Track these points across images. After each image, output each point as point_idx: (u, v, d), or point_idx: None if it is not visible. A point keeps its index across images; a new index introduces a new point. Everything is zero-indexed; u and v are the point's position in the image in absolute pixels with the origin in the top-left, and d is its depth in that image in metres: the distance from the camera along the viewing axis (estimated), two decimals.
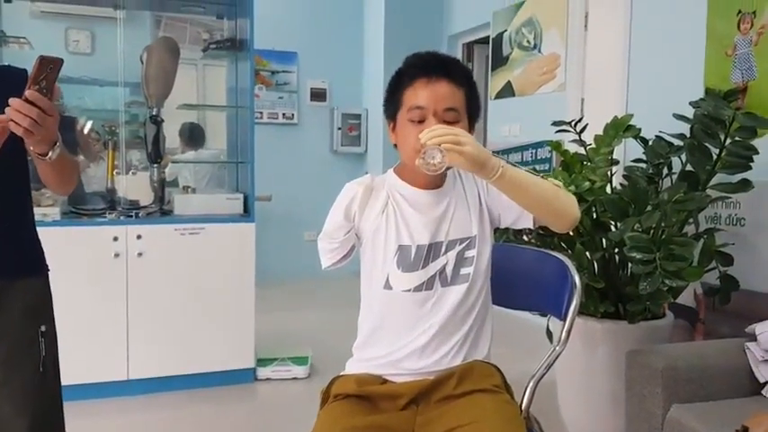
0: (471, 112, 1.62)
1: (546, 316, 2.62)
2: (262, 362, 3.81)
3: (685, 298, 3.11)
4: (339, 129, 6.52)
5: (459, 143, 1.43)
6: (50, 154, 1.52)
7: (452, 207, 1.67)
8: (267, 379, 3.76)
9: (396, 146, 1.66)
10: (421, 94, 1.55)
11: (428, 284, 1.64)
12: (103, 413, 3.27)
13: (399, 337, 1.66)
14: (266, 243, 4.60)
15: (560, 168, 2.93)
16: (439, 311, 1.64)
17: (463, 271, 1.66)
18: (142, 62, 3.57)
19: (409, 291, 1.63)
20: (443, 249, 1.64)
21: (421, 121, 1.55)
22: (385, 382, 1.66)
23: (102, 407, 3.32)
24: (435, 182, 1.66)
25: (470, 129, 1.61)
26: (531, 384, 1.78)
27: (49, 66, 1.41)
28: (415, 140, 1.50)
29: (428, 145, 1.44)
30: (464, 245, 1.66)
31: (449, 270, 1.65)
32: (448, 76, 1.57)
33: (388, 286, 1.64)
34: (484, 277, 1.70)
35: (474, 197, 1.70)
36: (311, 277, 5.60)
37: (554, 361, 1.81)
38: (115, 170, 3.60)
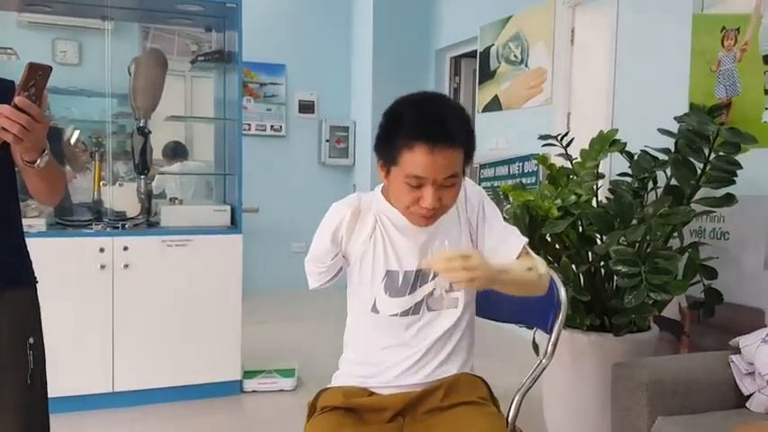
0: (469, 156, 1.57)
1: (532, 328, 2.63)
2: (248, 374, 3.79)
3: (670, 311, 3.14)
4: (327, 141, 6.53)
5: (471, 279, 1.42)
6: (39, 162, 1.51)
7: (443, 231, 1.65)
8: (253, 391, 3.74)
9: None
10: (421, 164, 1.48)
11: (415, 309, 1.65)
12: (89, 426, 3.24)
13: (386, 357, 1.66)
14: (254, 255, 4.58)
15: (546, 182, 2.96)
16: (427, 335, 1.66)
17: (453, 295, 1.67)
18: (130, 74, 3.57)
19: (396, 315, 1.64)
20: (432, 274, 1.63)
21: (418, 186, 1.51)
22: (372, 394, 1.67)
23: (87, 419, 3.29)
24: None
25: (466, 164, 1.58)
26: (517, 397, 1.79)
27: (39, 72, 1.41)
28: (410, 201, 1.52)
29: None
30: None
31: (436, 294, 1.65)
32: (451, 142, 1.49)
33: (375, 310, 1.66)
34: (472, 299, 1.71)
35: (466, 220, 1.69)
36: (298, 289, 5.53)
37: (540, 374, 1.82)
38: (102, 181, 3.58)
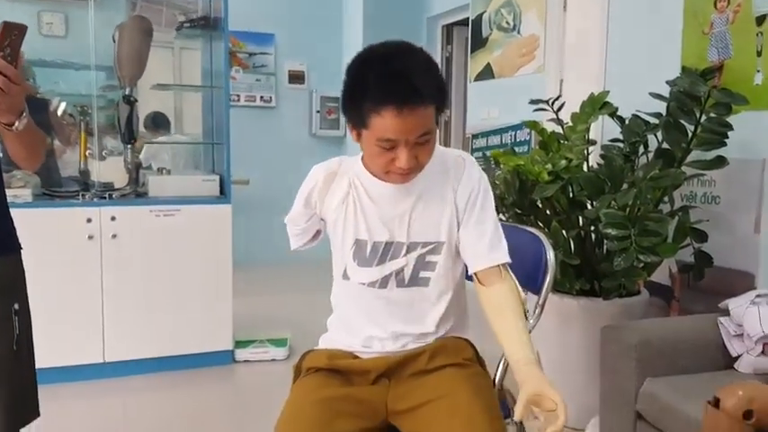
0: (441, 109, 1.48)
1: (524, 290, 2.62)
2: (240, 344, 3.79)
3: (661, 276, 3.14)
4: (318, 112, 6.47)
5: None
6: (17, 124, 1.48)
7: (420, 205, 1.58)
8: (245, 361, 3.74)
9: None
10: (391, 127, 1.40)
11: (382, 283, 1.59)
12: (80, 396, 3.24)
13: (363, 324, 1.64)
14: (244, 227, 4.56)
15: (538, 148, 2.94)
16: (397, 311, 1.61)
17: (422, 274, 1.60)
18: (114, 41, 3.51)
19: (364, 285, 1.60)
20: (404, 251, 1.58)
21: (392, 148, 1.44)
22: (356, 357, 1.65)
23: (78, 390, 3.29)
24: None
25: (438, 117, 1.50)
26: (503, 357, 1.78)
27: (14, 32, 1.36)
28: (385, 164, 1.47)
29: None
30: (427, 249, 1.59)
31: (406, 272, 1.59)
32: (420, 100, 1.40)
33: (345, 276, 1.62)
34: (449, 280, 1.62)
35: (453, 200, 1.59)
36: (291, 261, 5.56)
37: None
38: (88, 151, 3.54)
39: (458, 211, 1.59)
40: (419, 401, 1.55)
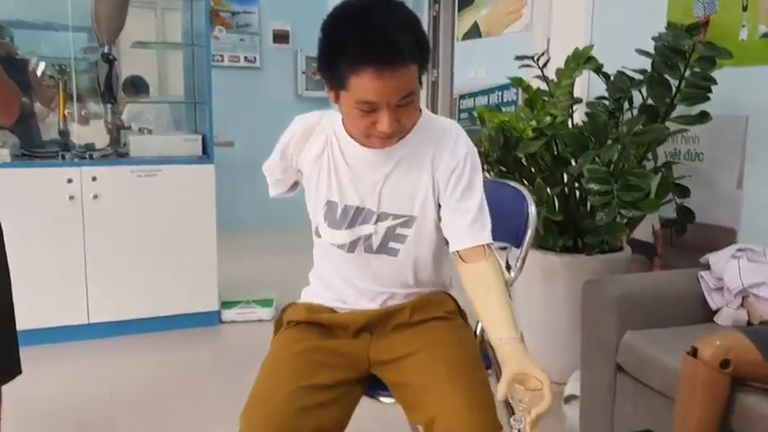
0: (424, 67, 1.40)
1: (505, 249, 2.63)
2: (226, 304, 3.81)
3: (643, 234, 3.15)
4: (303, 72, 6.39)
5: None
6: None
7: (395, 175, 1.51)
8: (232, 321, 3.76)
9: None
10: (370, 89, 1.32)
11: (350, 247, 1.55)
12: (65, 357, 3.24)
13: (338, 282, 1.63)
14: (230, 190, 4.55)
15: (523, 105, 2.92)
16: (367, 275, 1.59)
17: (392, 245, 1.55)
18: None
19: (335, 246, 1.57)
20: (374, 219, 1.53)
21: (372, 111, 1.36)
22: (335, 312, 1.65)
23: (63, 351, 3.30)
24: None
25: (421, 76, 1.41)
26: None
27: None
28: (366, 127, 1.39)
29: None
30: (398, 221, 1.53)
31: (375, 240, 1.54)
32: (402, 60, 1.31)
33: (318, 234, 1.60)
34: (422, 250, 1.57)
35: (428, 169, 1.51)
36: (277, 225, 5.58)
37: (509, 287, 1.81)
38: (66, 110, 3.49)
39: (436, 186, 1.51)
40: (402, 353, 1.55)
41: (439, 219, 1.54)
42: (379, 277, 1.59)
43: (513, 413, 1.21)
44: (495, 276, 1.47)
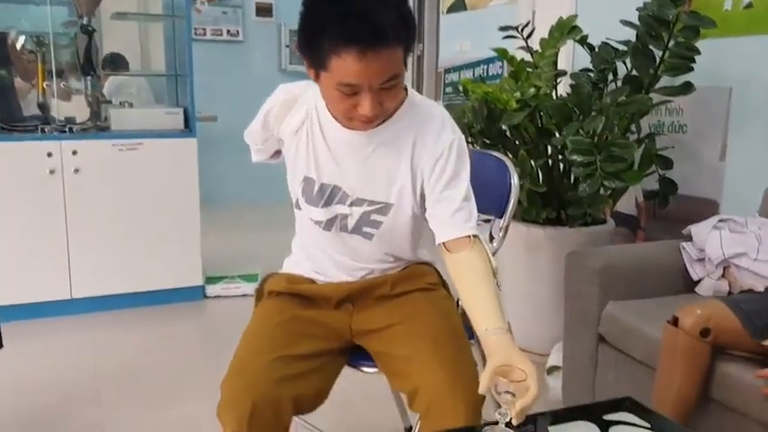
0: (409, 48, 1.33)
1: (489, 222, 2.62)
2: (210, 280, 3.79)
3: (627, 207, 3.16)
4: (287, 46, 6.31)
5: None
6: None
7: (374, 159, 1.46)
8: (216, 296, 3.75)
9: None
10: (353, 72, 1.24)
11: (327, 225, 1.53)
12: (48, 332, 3.22)
13: (318, 254, 1.61)
14: (214, 165, 4.51)
15: (507, 77, 2.90)
16: (345, 251, 1.58)
17: (366, 229, 1.52)
18: None
19: (312, 221, 1.55)
20: (349, 201, 1.50)
21: (354, 93, 1.30)
22: (315, 283, 1.64)
23: (46, 326, 3.28)
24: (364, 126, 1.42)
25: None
26: None
27: None
28: (347, 110, 1.33)
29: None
30: (373, 207, 1.50)
31: (350, 222, 1.52)
32: (386, 41, 1.23)
33: (298, 206, 1.57)
34: (399, 234, 1.54)
35: (409, 158, 1.46)
36: (260, 200, 5.55)
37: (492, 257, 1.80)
38: (45, 83, 3.43)
39: (419, 174, 1.47)
40: (385, 324, 1.55)
41: (418, 207, 1.50)
42: (357, 254, 1.58)
43: (500, 406, 1.17)
44: (481, 265, 1.42)
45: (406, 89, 1.47)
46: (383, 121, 1.43)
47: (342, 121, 1.41)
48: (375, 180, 1.47)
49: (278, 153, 1.62)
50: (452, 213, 1.44)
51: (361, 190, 1.48)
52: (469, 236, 1.43)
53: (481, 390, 1.20)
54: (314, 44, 1.27)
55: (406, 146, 1.46)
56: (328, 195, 1.50)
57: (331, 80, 1.28)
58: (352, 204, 1.50)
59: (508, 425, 1.16)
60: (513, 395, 1.13)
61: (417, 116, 1.47)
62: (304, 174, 1.51)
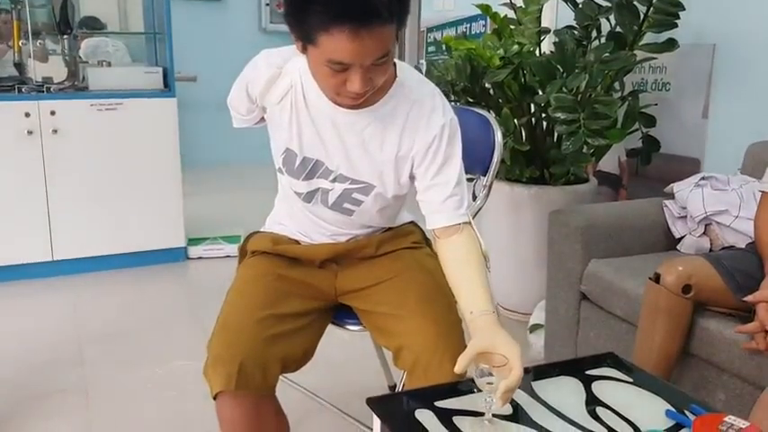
0: (402, 23, 1.24)
1: (472, 181, 2.62)
2: (193, 241, 3.78)
3: (610, 166, 3.17)
4: (267, 5, 6.20)
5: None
6: None
7: (360, 140, 1.42)
8: (199, 258, 3.74)
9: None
10: (343, 50, 1.18)
11: (307, 197, 1.51)
12: (30, 294, 3.21)
13: (301, 218, 1.59)
14: (194, 127, 4.46)
15: (491, 33, 2.87)
16: (326, 222, 1.56)
17: (346, 206, 1.51)
18: None
19: (293, 191, 1.53)
20: (331, 177, 1.46)
21: (343, 70, 1.23)
22: (300, 244, 1.63)
23: (28, 288, 3.26)
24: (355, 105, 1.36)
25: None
26: None
27: None
28: (335, 86, 1.27)
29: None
30: (355, 186, 1.47)
31: (331, 197, 1.49)
32: (379, 18, 1.16)
33: (281, 172, 1.54)
34: (376, 214, 1.54)
35: (396, 142, 1.42)
36: (242, 161, 5.51)
37: (475, 215, 1.80)
38: (21, 42, 3.35)
39: (401, 160, 1.43)
40: (370, 282, 1.55)
41: (401, 189, 1.48)
42: (339, 223, 1.57)
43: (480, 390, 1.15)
44: (470, 249, 1.41)
45: (395, 64, 1.41)
46: (372, 103, 1.39)
47: (329, 95, 1.36)
48: (359, 160, 1.44)
49: (261, 120, 1.57)
50: (443, 200, 1.42)
51: (344, 168, 1.45)
52: (460, 223, 1.42)
53: (457, 369, 1.19)
54: (301, 17, 1.20)
55: (394, 129, 1.41)
56: (310, 169, 1.47)
57: (320, 56, 1.22)
58: (334, 180, 1.47)
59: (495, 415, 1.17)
60: (491, 384, 1.11)
61: (407, 98, 1.42)
62: (286, 145, 1.47)
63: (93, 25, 4.10)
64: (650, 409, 1.24)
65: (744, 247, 1.97)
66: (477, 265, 1.39)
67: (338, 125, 1.42)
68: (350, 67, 1.21)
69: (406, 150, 1.42)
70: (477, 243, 1.43)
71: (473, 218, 1.49)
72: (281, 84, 1.43)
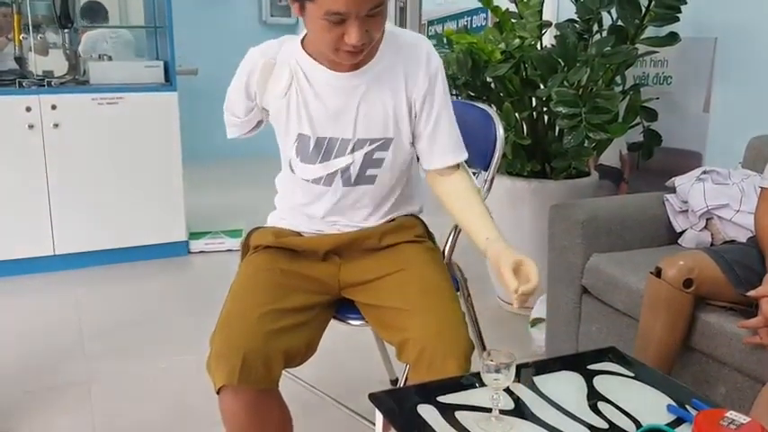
0: None
1: (475, 175, 2.62)
2: (194, 235, 3.78)
3: (611, 160, 3.17)
4: None
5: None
6: None
7: (368, 98, 1.47)
8: (201, 252, 3.74)
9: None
10: (339, 0, 1.25)
11: (327, 180, 1.53)
12: (31, 289, 3.21)
13: (309, 216, 1.61)
14: (195, 120, 4.44)
15: (492, 27, 2.86)
16: (342, 209, 1.58)
17: (370, 172, 1.53)
18: None
19: (308, 181, 1.54)
20: (350, 148, 1.50)
21: (340, 22, 1.29)
22: (302, 236, 1.63)
23: (29, 282, 3.27)
24: (350, 64, 1.43)
25: None
26: (453, 233, 1.80)
27: None
28: (334, 40, 1.32)
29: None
30: (374, 146, 1.51)
31: (353, 171, 1.52)
32: None
33: (291, 170, 1.56)
34: (396, 172, 1.57)
35: (400, 87, 1.48)
36: (243, 155, 5.49)
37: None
38: (22, 35, 3.34)
39: (411, 104, 1.50)
40: (373, 276, 1.55)
41: (412, 137, 1.55)
42: (354, 211, 1.58)
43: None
44: (470, 185, 1.55)
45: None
46: (367, 57, 1.44)
47: (328, 54, 1.39)
48: (373, 118, 1.49)
49: (258, 125, 1.58)
50: (441, 143, 1.53)
51: (361, 130, 1.49)
52: (452, 164, 1.55)
53: (513, 286, 1.31)
54: None
55: (398, 78, 1.48)
56: (326, 149, 1.50)
57: (318, 10, 1.28)
58: (353, 150, 1.50)
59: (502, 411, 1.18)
60: (498, 380, 1.16)
61: (402, 47, 1.49)
62: (297, 131, 1.50)
63: (96, 11, 4.08)
64: (652, 404, 1.24)
65: (745, 241, 1.97)
66: (480, 200, 1.54)
67: (346, 90, 1.47)
68: (347, 19, 1.27)
69: (411, 88, 1.49)
70: (474, 181, 1.59)
71: None
72: (281, 76, 1.47)
